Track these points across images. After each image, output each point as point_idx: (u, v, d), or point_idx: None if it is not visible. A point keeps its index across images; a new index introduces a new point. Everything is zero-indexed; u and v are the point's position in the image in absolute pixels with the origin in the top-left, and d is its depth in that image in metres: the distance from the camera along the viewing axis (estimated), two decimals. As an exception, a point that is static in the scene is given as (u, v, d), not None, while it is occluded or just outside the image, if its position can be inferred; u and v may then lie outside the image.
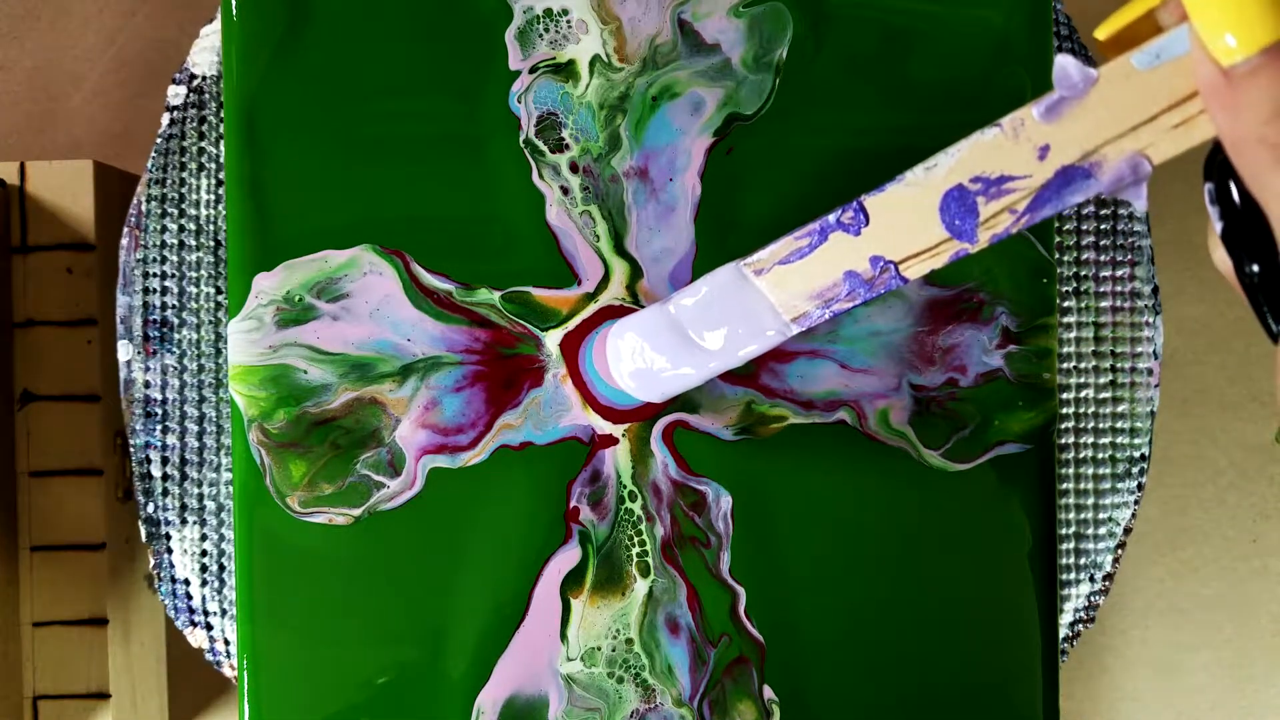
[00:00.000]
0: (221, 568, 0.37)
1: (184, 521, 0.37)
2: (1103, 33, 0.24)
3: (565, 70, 0.35)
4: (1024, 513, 0.36)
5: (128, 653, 0.43)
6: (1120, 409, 0.38)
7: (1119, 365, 0.38)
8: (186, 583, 0.37)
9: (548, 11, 0.35)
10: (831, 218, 0.28)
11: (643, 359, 0.32)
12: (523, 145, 0.35)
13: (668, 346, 0.31)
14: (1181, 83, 0.23)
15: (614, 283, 0.36)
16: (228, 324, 0.36)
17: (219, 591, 0.37)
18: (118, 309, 0.37)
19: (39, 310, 0.41)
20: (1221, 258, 0.24)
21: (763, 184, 0.35)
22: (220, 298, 0.37)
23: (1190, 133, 0.23)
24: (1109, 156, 0.24)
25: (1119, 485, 0.38)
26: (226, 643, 0.38)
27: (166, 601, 0.38)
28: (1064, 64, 0.24)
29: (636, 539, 0.35)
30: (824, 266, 0.28)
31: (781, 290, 0.29)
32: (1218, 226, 0.23)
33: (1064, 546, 0.38)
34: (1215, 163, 0.23)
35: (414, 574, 0.35)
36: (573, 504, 0.35)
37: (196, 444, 0.37)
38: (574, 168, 0.35)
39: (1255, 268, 0.23)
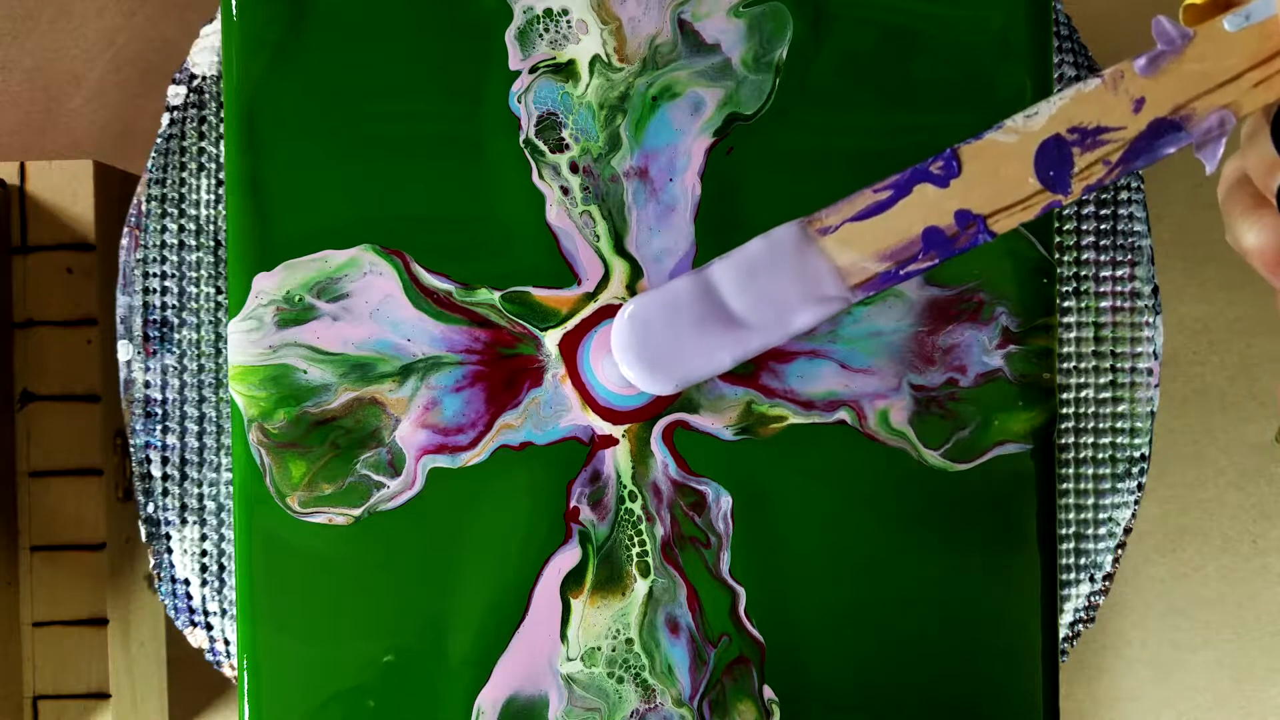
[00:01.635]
0: (221, 568, 0.37)
1: (184, 521, 0.37)
2: None
3: (565, 70, 0.35)
4: (1024, 513, 0.36)
5: (128, 653, 0.43)
6: (1120, 409, 0.38)
7: (1119, 365, 0.38)
8: (186, 583, 0.37)
9: (548, 11, 0.35)
10: (920, 167, 0.27)
11: (661, 338, 0.29)
12: (523, 145, 0.35)
13: (697, 321, 0.28)
14: (1265, 44, 0.25)
15: (614, 283, 0.36)
16: (228, 324, 0.36)
17: (219, 591, 0.37)
18: (118, 309, 0.37)
19: (39, 310, 0.41)
20: (1253, 240, 0.26)
21: (763, 184, 0.35)
22: (220, 298, 0.37)
23: (1267, 90, 0.26)
24: (1198, 110, 0.26)
25: (1119, 485, 0.38)
26: (226, 643, 0.38)
27: (166, 601, 0.38)
28: (1163, 22, 0.26)
29: (636, 539, 0.35)
30: (903, 222, 0.27)
31: (849, 250, 0.28)
32: None
33: (1064, 546, 0.38)
34: None
35: (414, 574, 0.35)
36: (573, 504, 0.35)
37: (196, 444, 0.37)
38: (574, 168, 0.35)
39: None
